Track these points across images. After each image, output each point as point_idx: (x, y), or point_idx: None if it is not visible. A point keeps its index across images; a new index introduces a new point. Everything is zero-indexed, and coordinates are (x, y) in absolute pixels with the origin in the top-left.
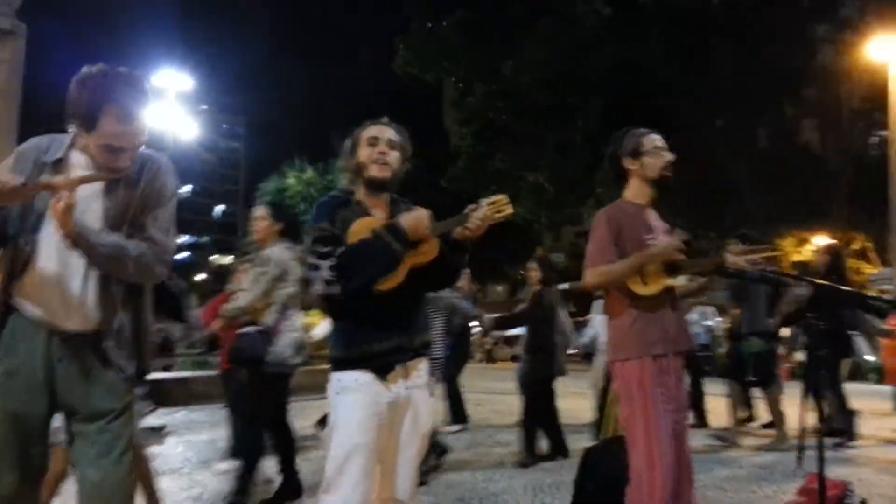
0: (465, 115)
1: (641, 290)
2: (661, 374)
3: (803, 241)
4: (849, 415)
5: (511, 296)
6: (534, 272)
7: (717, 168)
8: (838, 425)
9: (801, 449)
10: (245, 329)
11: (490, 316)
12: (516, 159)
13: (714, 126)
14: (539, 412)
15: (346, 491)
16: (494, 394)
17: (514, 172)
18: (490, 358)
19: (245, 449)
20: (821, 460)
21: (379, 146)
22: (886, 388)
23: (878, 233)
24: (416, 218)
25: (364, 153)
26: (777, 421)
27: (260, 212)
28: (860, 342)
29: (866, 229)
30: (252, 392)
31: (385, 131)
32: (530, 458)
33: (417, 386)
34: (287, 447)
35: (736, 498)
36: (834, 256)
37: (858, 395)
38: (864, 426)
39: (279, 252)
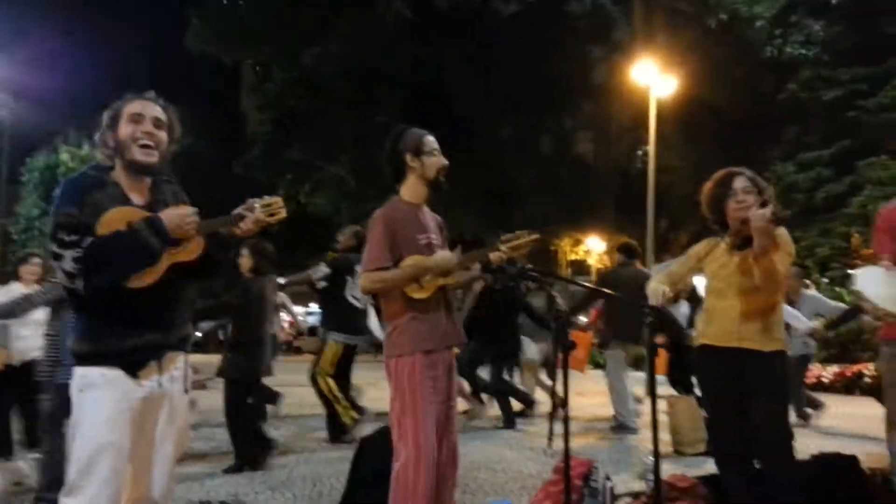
0: (264, 100)
1: (417, 294)
2: (431, 368)
3: (577, 242)
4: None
5: (310, 288)
6: (245, 260)
7: (506, 172)
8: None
9: (550, 430)
10: None
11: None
12: (316, 150)
13: (503, 132)
14: (241, 411)
15: (91, 493)
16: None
17: (313, 163)
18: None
19: None
20: (566, 441)
21: (144, 125)
22: None
23: (640, 235)
24: (179, 216)
25: (126, 130)
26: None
27: None
28: None
29: (630, 232)
30: None
31: (151, 108)
32: (238, 460)
33: (174, 380)
34: None
35: (504, 477)
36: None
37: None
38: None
39: None
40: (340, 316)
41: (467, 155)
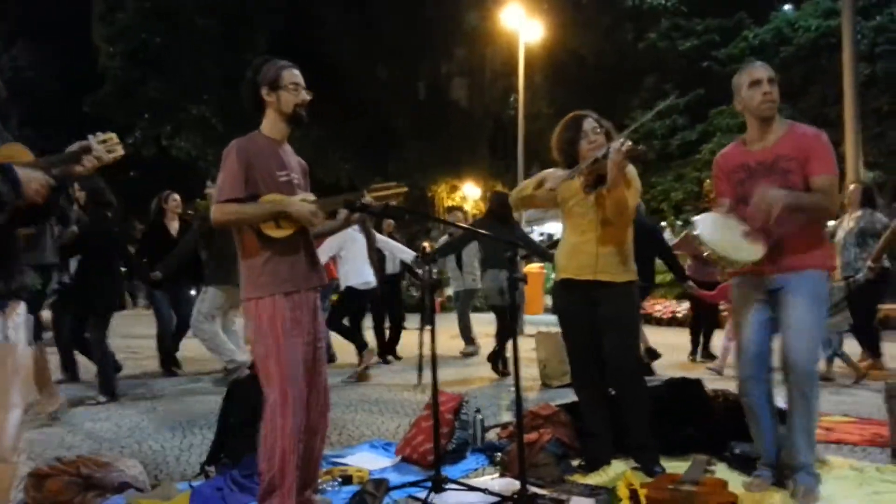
0: (114, 31)
1: (274, 232)
2: (293, 310)
3: (454, 189)
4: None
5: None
6: (80, 195)
7: (382, 117)
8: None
9: (420, 368)
10: None
11: None
12: (176, 89)
13: (378, 76)
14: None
15: None
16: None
17: (175, 103)
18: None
19: None
20: (434, 377)
21: None
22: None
23: (514, 181)
24: (38, 182)
25: None
26: None
27: None
28: None
29: (503, 178)
30: None
31: None
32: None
33: (17, 329)
34: None
35: (381, 417)
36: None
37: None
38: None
39: None
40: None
41: (342, 98)
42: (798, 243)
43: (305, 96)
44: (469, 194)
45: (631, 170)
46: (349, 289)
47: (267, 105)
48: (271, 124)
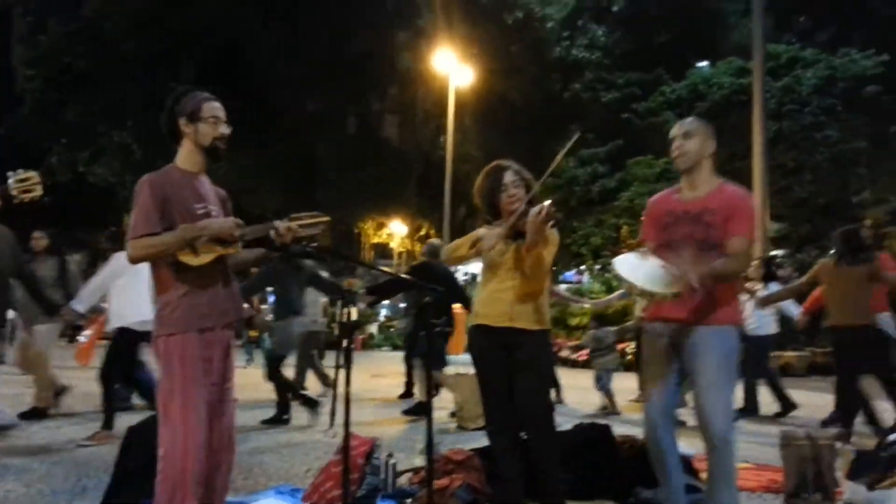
0: (36, 55)
1: (192, 260)
2: (206, 348)
3: (381, 226)
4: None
5: (91, 266)
6: None
7: (311, 149)
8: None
9: (332, 412)
10: None
11: None
12: (97, 113)
13: (308, 108)
14: None
15: None
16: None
17: (94, 128)
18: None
19: None
20: (346, 420)
21: None
22: None
23: (441, 221)
24: None
25: None
26: None
27: None
28: None
29: (430, 217)
30: None
31: None
32: None
33: None
34: None
35: (290, 461)
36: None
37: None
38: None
39: None
40: None
41: (270, 128)
42: (710, 300)
43: (224, 130)
44: (396, 231)
45: (551, 230)
46: (123, 330)
47: (184, 136)
48: (187, 156)
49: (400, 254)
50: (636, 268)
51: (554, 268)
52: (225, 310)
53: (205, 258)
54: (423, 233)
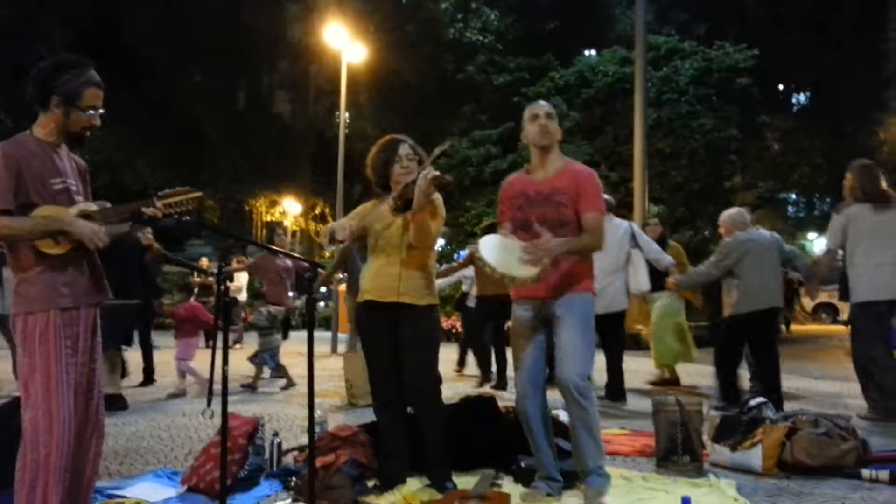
0: None
1: (52, 249)
2: (69, 327)
3: (274, 203)
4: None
5: None
6: None
7: (195, 124)
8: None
9: (210, 392)
10: None
11: None
12: None
13: (192, 80)
14: None
15: None
16: None
17: None
18: None
19: None
20: (224, 402)
21: None
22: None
23: (335, 199)
24: None
25: None
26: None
27: None
28: None
29: (325, 196)
30: None
31: None
32: None
33: None
34: None
35: (171, 444)
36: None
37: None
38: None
39: None
40: None
41: (151, 100)
42: (568, 274)
43: (97, 122)
44: (289, 210)
45: (437, 199)
46: None
47: (51, 112)
48: (48, 130)
49: (294, 232)
50: (499, 249)
51: (448, 247)
52: (88, 289)
53: (65, 247)
54: (317, 211)
